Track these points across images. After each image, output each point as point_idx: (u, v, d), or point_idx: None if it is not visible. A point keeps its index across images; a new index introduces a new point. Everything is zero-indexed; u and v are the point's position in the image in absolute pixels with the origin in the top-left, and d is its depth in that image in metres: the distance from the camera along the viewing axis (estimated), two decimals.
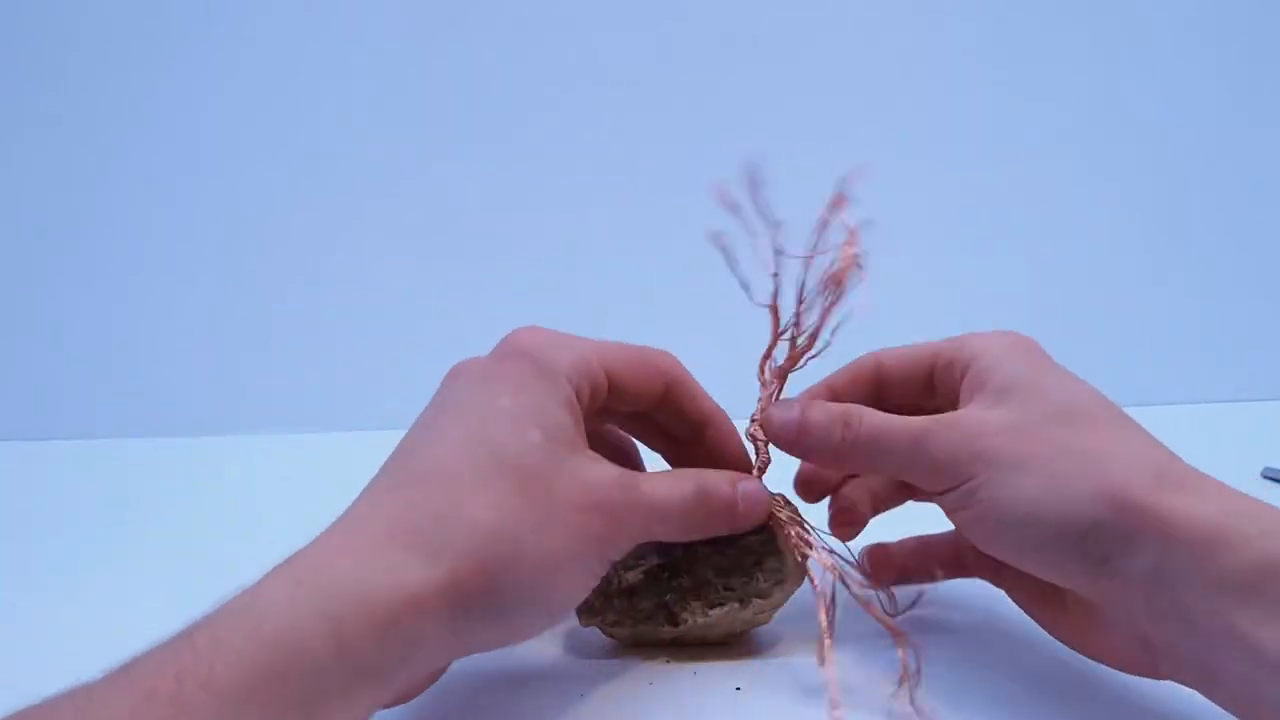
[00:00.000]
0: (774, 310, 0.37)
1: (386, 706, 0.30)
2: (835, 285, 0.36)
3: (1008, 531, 0.33)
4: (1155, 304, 0.76)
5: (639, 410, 0.38)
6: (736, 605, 0.39)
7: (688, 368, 0.39)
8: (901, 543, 0.42)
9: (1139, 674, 0.33)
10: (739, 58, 0.79)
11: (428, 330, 0.72)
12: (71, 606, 0.48)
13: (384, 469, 0.33)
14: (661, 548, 0.40)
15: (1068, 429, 0.32)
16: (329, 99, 0.80)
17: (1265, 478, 0.55)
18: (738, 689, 0.38)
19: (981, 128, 0.78)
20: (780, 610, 0.41)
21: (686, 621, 0.39)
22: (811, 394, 0.40)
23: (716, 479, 0.36)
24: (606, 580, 0.39)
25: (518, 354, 0.34)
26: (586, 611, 0.40)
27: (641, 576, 0.39)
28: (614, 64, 0.79)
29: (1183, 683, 0.32)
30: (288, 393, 0.76)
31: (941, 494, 0.34)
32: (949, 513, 0.35)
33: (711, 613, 0.39)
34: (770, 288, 0.36)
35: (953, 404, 0.37)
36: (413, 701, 0.34)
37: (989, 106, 0.78)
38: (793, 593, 0.40)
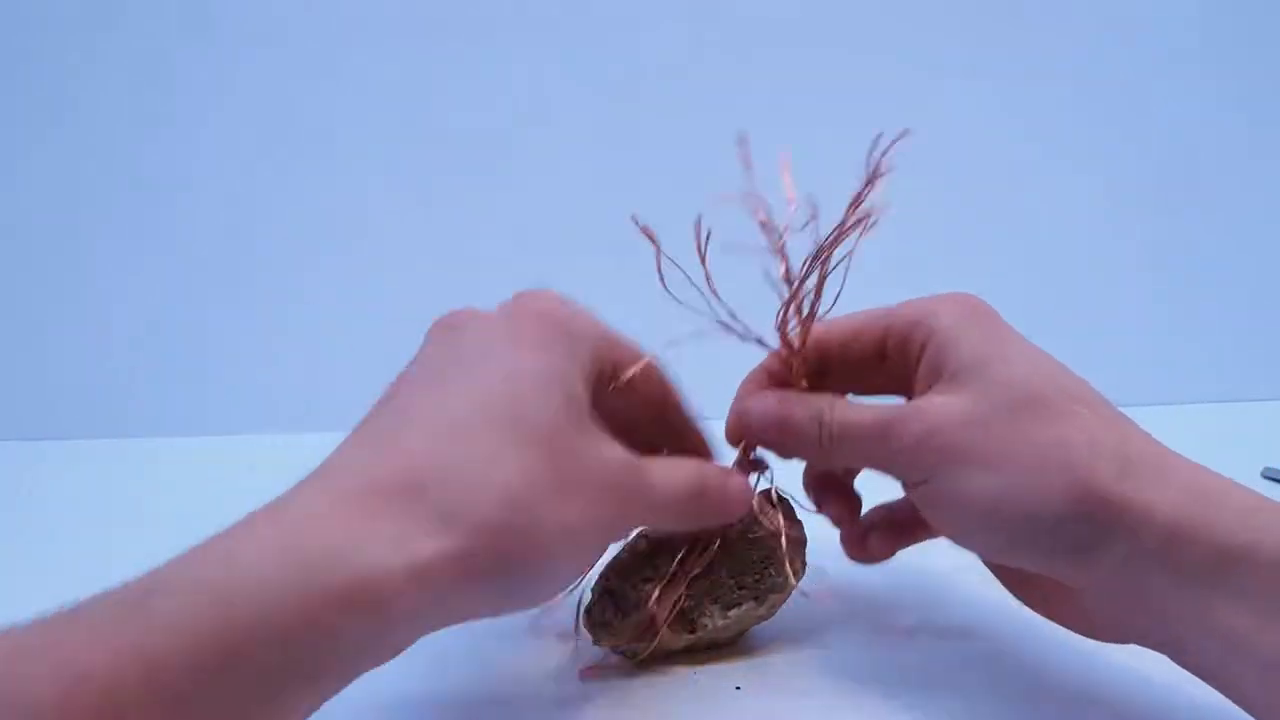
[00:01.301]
0: (786, 277, 0.35)
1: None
2: (842, 238, 0.34)
3: (974, 527, 0.32)
4: (1155, 304, 0.76)
5: (623, 405, 0.36)
6: (752, 604, 0.39)
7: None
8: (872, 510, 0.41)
9: (1109, 641, 0.33)
10: (736, 51, 0.79)
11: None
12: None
13: (372, 416, 0.30)
14: (673, 554, 0.39)
15: (1029, 418, 0.31)
16: (327, 100, 0.80)
17: (1265, 478, 0.55)
18: (738, 689, 0.38)
19: (979, 126, 0.78)
20: (780, 609, 0.41)
21: (706, 626, 0.39)
22: (752, 379, 0.38)
23: (712, 470, 0.36)
24: (624, 596, 0.39)
25: (542, 316, 0.32)
26: (605, 631, 0.39)
27: (658, 588, 0.39)
28: (603, 61, 0.79)
29: (1152, 649, 0.32)
30: (288, 393, 0.75)
31: (909, 487, 0.34)
32: (918, 506, 0.34)
33: (730, 614, 0.39)
34: (780, 257, 0.35)
35: (905, 377, 0.35)
36: (404, 701, 0.34)
37: (986, 104, 0.78)
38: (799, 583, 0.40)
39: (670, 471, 0.34)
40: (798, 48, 0.79)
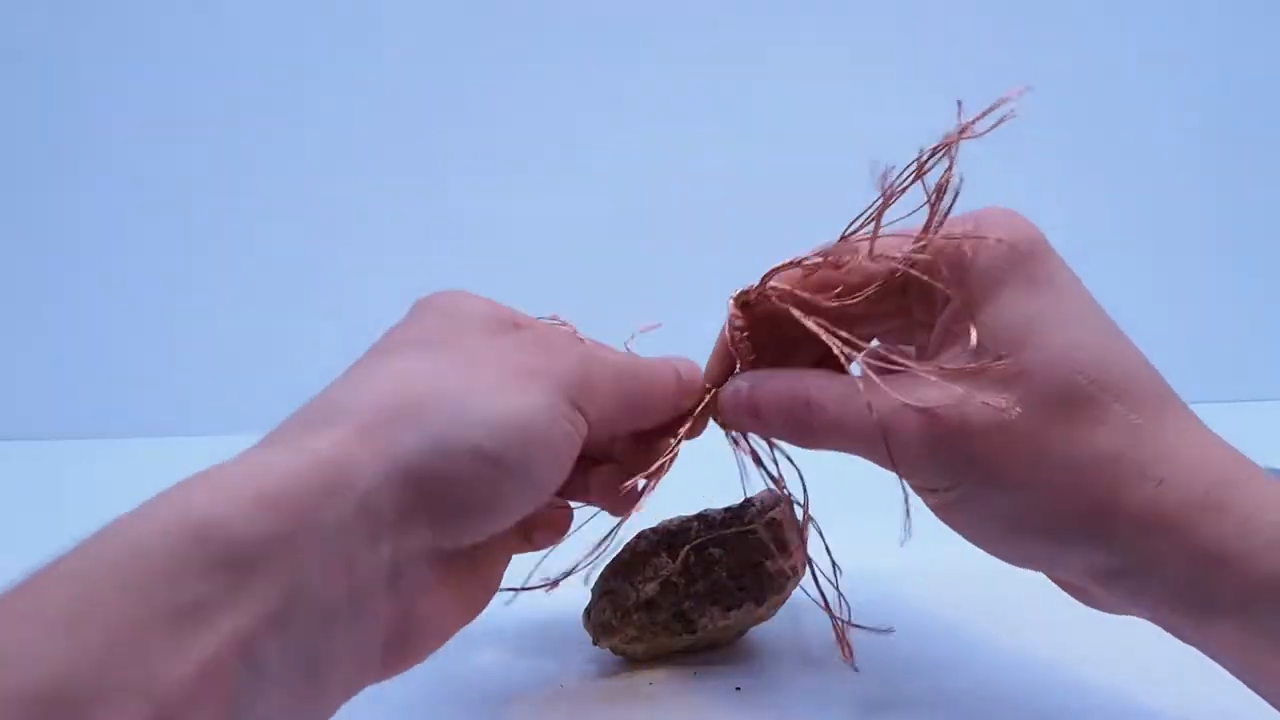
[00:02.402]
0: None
1: (382, 667, 0.27)
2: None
3: (993, 540, 0.30)
4: (1155, 304, 0.76)
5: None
6: (752, 604, 0.39)
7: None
8: None
9: (1110, 611, 0.31)
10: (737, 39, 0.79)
11: None
12: None
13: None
14: (673, 554, 0.39)
15: (1063, 421, 0.28)
16: (325, 99, 0.80)
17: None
18: (738, 689, 0.38)
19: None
20: (780, 609, 0.41)
21: (706, 627, 0.39)
22: (732, 325, 0.34)
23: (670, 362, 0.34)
24: (624, 596, 0.39)
25: (537, 336, 0.31)
26: (605, 631, 0.39)
27: (658, 588, 0.39)
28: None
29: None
30: (288, 393, 0.75)
31: (917, 489, 0.31)
32: (926, 504, 0.31)
33: (730, 614, 0.39)
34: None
35: (924, 318, 0.31)
36: (404, 702, 0.34)
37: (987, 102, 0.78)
38: (798, 584, 0.40)
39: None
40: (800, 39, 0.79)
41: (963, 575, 0.42)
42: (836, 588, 0.38)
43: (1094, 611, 0.31)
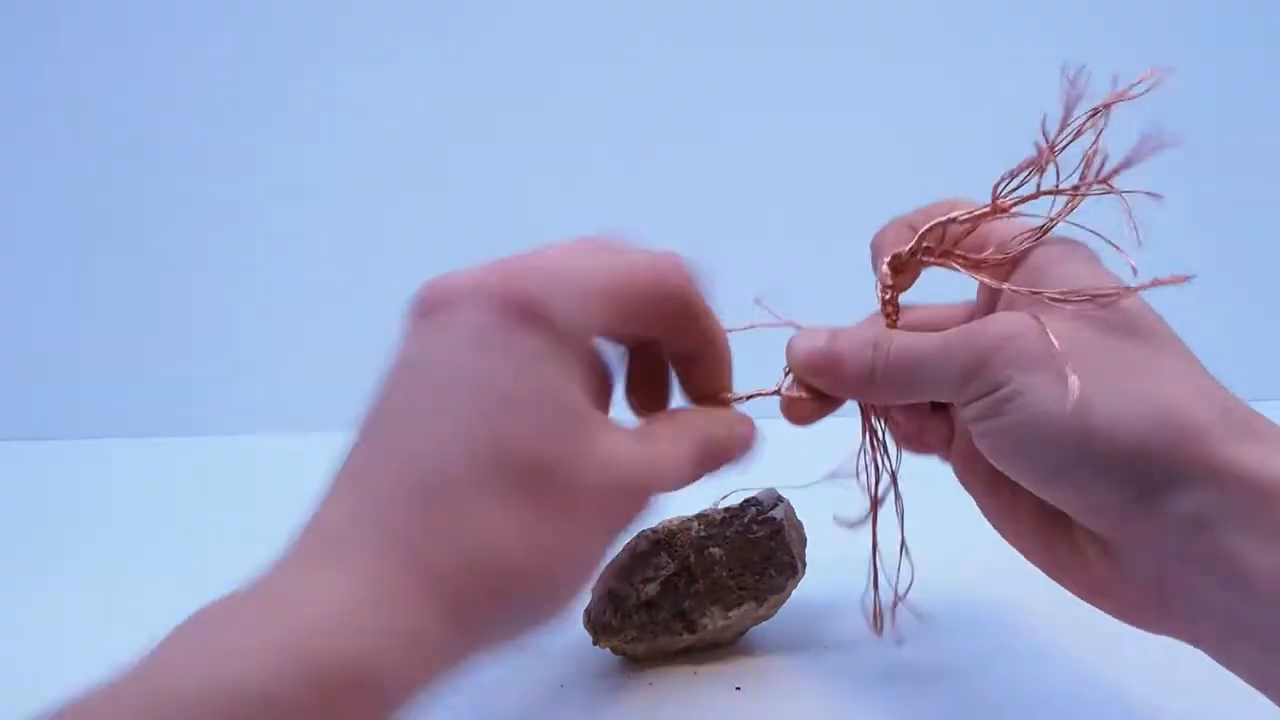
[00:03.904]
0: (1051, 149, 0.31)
1: None
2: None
3: (1038, 448, 0.28)
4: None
5: (641, 337, 0.32)
6: (753, 604, 0.39)
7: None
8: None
9: (1141, 625, 0.30)
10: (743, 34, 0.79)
11: None
12: (71, 607, 0.48)
13: (356, 461, 0.26)
14: (673, 554, 0.39)
15: (1129, 340, 0.28)
16: (324, 98, 0.80)
17: None
18: (738, 689, 0.38)
19: (982, 124, 0.78)
20: (780, 609, 0.41)
21: (706, 627, 0.39)
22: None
23: (714, 431, 0.32)
24: (624, 596, 0.39)
25: (522, 312, 0.26)
26: (606, 630, 0.39)
27: (659, 588, 0.39)
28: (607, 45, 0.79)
29: (1185, 639, 0.29)
30: (288, 393, 0.76)
31: (968, 403, 0.30)
32: (973, 423, 0.30)
33: (731, 614, 0.39)
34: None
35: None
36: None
37: (990, 101, 0.78)
38: (798, 584, 0.40)
39: (670, 446, 0.30)
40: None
41: (973, 574, 0.42)
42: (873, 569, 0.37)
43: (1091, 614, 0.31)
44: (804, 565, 0.41)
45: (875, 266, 0.35)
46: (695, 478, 0.31)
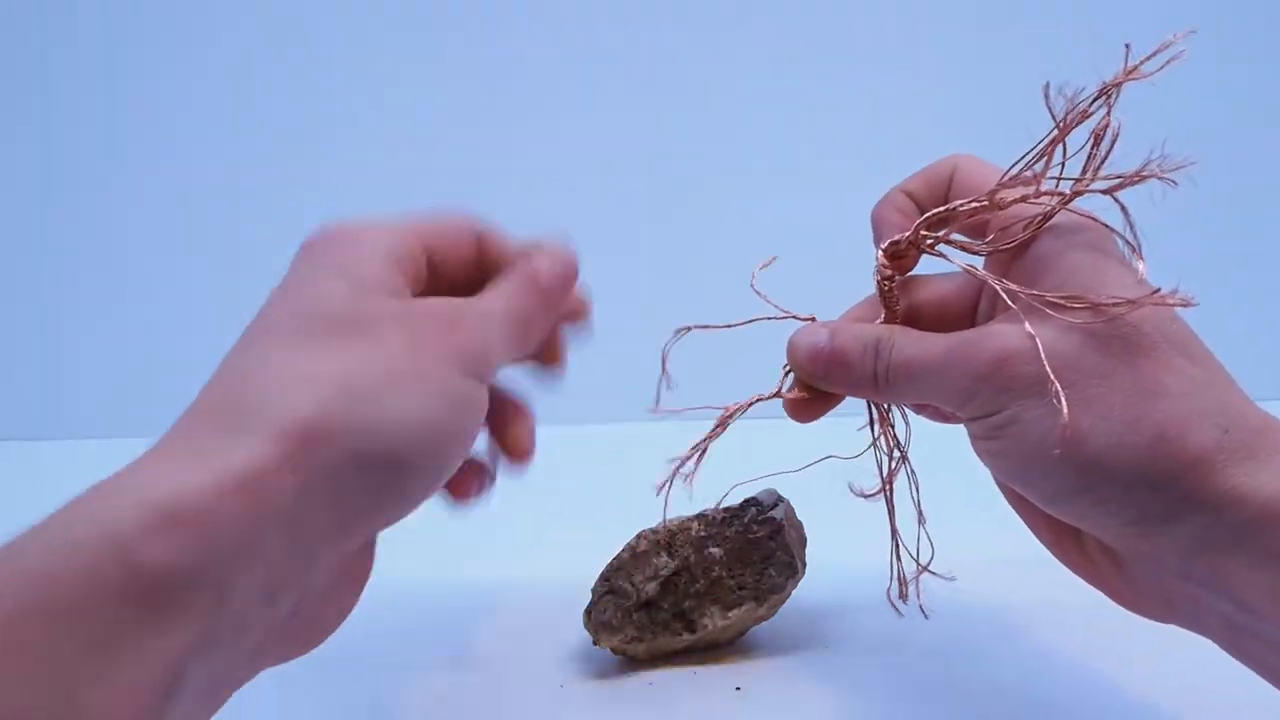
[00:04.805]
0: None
1: (290, 644, 0.27)
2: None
3: (1034, 475, 0.29)
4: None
5: (458, 280, 0.33)
6: (753, 604, 0.39)
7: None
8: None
9: (1150, 618, 0.31)
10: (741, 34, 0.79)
11: None
12: None
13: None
14: (673, 554, 0.39)
15: (1122, 354, 0.28)
16: (323, 97, 0.80)
17: None
18: (738, 689, 0.38)
19: (982, 124, 0.78)
20: (780, 609, 0.41)
21: (706, 626, 0.39)
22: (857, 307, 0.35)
23: (527, 259, 0.32)
24: (625, 596, 0.39)
25: (325, 235, 0.31)
26: (606, 630, 0.39)
27: (658, 587, 0.39)
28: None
29: (1193, 631, 0.30)
30: None
31: (969, 421, 0.30)
32: (974, 441, 0.30)
33: (730, 614, 0.39)
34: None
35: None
36: (405, 702, 0.34)
37: (991, 101, 0.78)
38: (798, 584, 0.40)
39: (492, 292, 0.31)
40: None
41: (974, 574, 0.42)
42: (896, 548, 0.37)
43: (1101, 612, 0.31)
44: (804, 565, 0.41)
45: (876, 240, 0.34)
46: (528, 309, 0.31)
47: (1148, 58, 0.29)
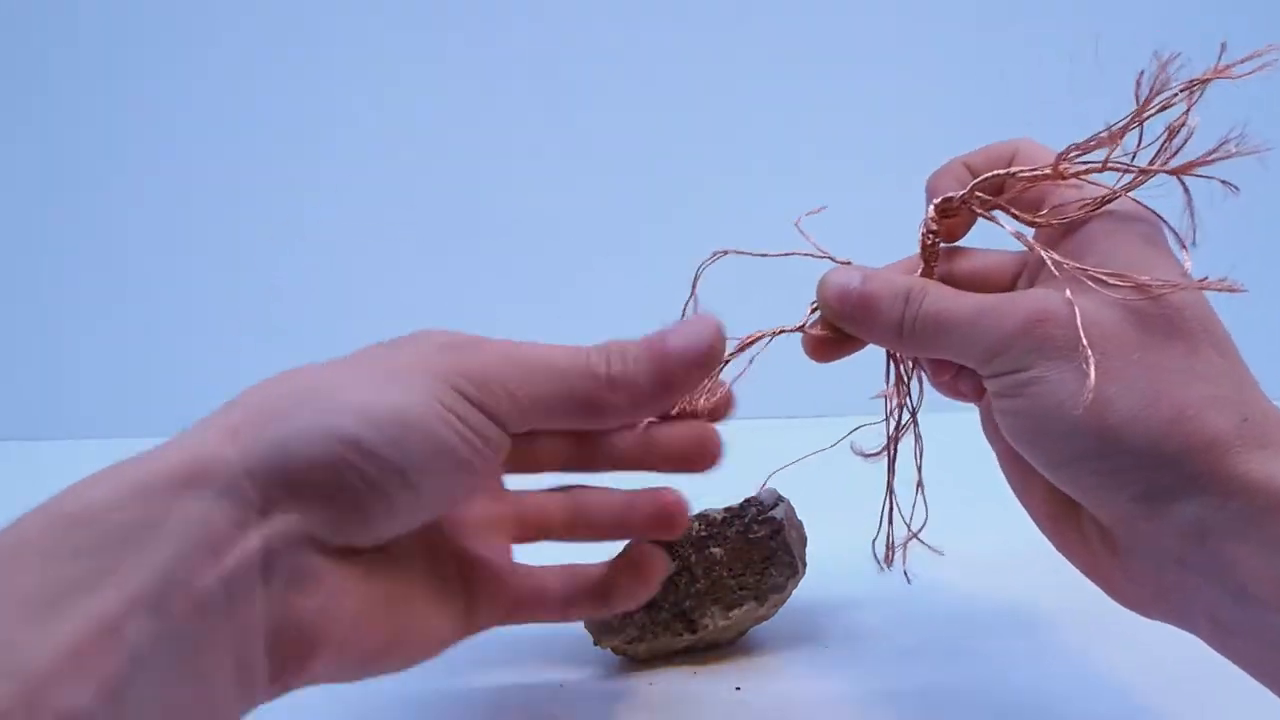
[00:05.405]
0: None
1: (274, 672, 0.26)
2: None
3: (1050, 436, 0.29)
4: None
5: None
6: (754, 604, 0.39)
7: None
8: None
9: (1133, 609, 0.31)
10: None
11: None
12: None
13: None
14: (674, 554, 0.39)
15: (1153, 332, 0.28)
16: (323, 98, 0.80)
17: None
18: (738, 689, 0.38)
19: (982, 124, 0.78)
20: (780, 609, 0.41)
21: (707, 627, 0.39)
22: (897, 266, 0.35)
23: (665, 331, 0.31)
24: None
25: (449, 336, 0.30)
26: (606, 630, 0.39)
27: (659, 588, 0.39)
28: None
29: (1177, 626, 0.30)
30: None
31: (990, 377, 0.30)
32: (994, 398, 0.30)
33: (731, 614, 0.39)
34: None
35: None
36: (405, 702, 0.34)
37: (992, 101, 0.78)
38: (798, 584, 0.40)
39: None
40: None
41: (967, 581, 0.42)
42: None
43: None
44: (804, 565, 0.41)
45: (927, 207, 0.34)
46: (570, 374, 0.30)
47: (1242, 60, 0.29)
